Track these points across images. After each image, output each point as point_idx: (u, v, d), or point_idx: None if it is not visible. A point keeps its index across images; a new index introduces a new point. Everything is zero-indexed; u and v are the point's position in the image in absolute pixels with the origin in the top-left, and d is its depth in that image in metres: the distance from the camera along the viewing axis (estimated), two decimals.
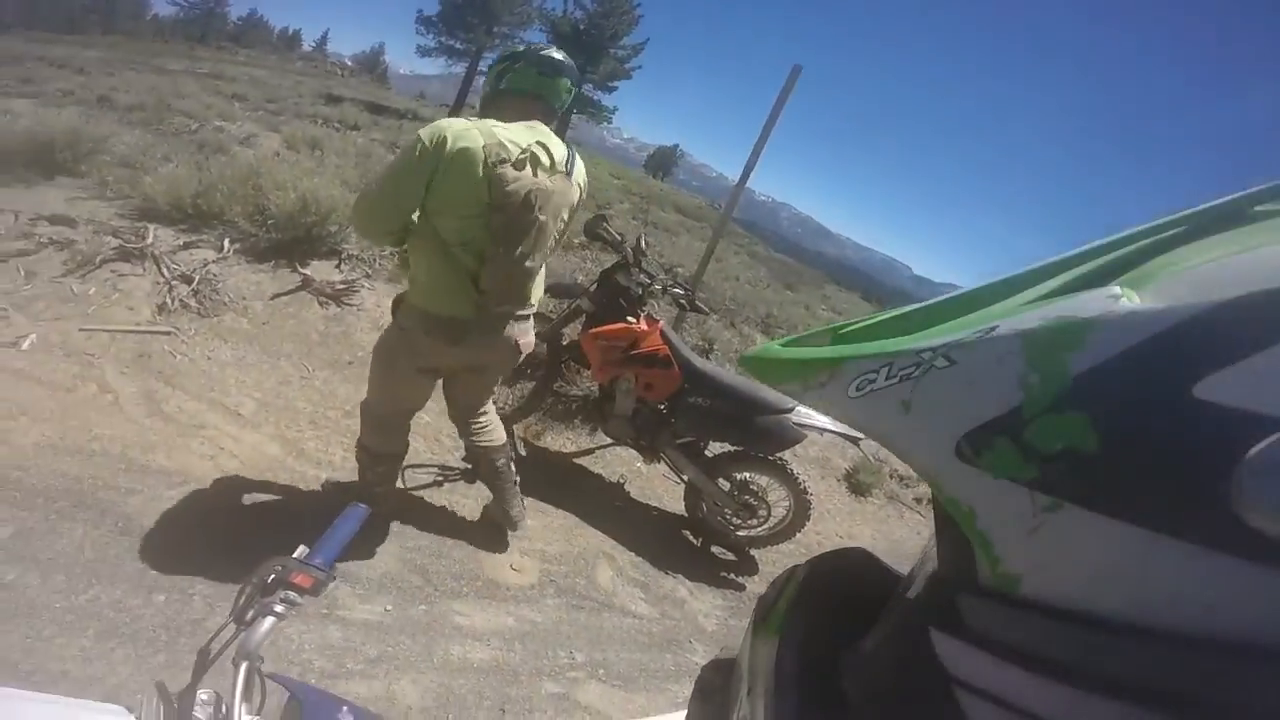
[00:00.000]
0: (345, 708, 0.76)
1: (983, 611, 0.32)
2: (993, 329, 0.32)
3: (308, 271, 3.77)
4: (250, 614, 0.69)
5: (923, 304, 0.40)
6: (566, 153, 1.77)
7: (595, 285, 3.04)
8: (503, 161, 1.61)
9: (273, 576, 0.72)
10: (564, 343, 3.22)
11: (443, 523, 2.54)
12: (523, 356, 2.11)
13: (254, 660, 0.66)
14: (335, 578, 0.77)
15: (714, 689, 0.59)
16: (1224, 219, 0.33)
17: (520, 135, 1.67)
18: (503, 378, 2.30)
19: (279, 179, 4.29)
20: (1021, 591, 0.30)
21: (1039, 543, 0.29)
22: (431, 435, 3.05)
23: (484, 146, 1.60)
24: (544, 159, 1.70)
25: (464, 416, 2.34)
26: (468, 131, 1.60)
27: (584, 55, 22.10)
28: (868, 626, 0.44)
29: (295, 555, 0.75)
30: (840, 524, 3.83)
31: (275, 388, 2.97)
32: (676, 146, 41.09)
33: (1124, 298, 0.29)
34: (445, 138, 1.57)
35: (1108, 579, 0.28)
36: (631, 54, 23.03)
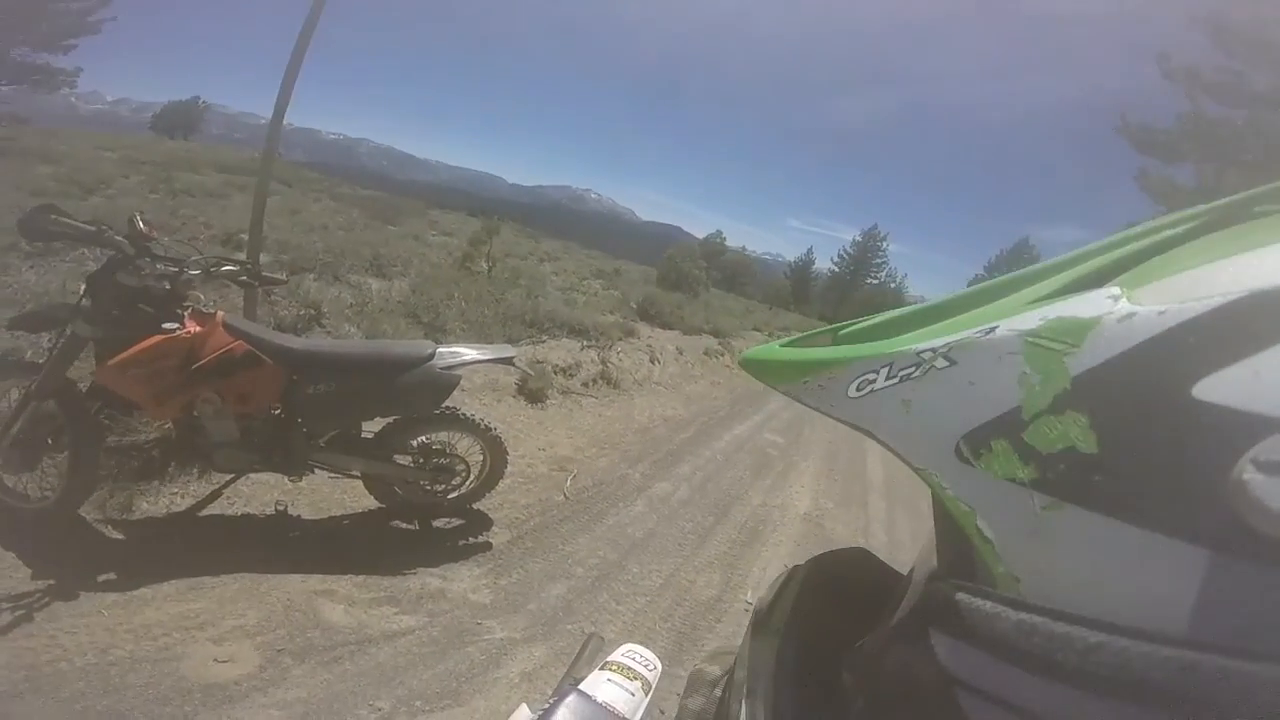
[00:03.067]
0: None
1: (983, 611, 0.31)
2: (993, 329, 0.31)
3: None
4: None
5: (923, 305, 0.40)
6: None
7: (87, 299, 2.13)
8: None
9: None
10: (85, 389, 2.25)
11: (78, 654, 1.82)
12: None
13: None
14: None
15: (708, 686, 0.60)
16: (1224, 219, 0.34)
17: None
18: None
19: None
20: (1021, 591, 0.30)
21: (1039, 543, 0.29)
22: None
23: None
24: None
25: None
26: None
27: (6, 13, 15.61)
28: (868, 626, 0.44)
29: None
30: (536, 437, 3.89)
31: None
32: (197, 98, 32.68)
33: (1124, 298, 0.28)
34: None
35: (1107, 579, 0.28)
36: (97, 4, 17.36)
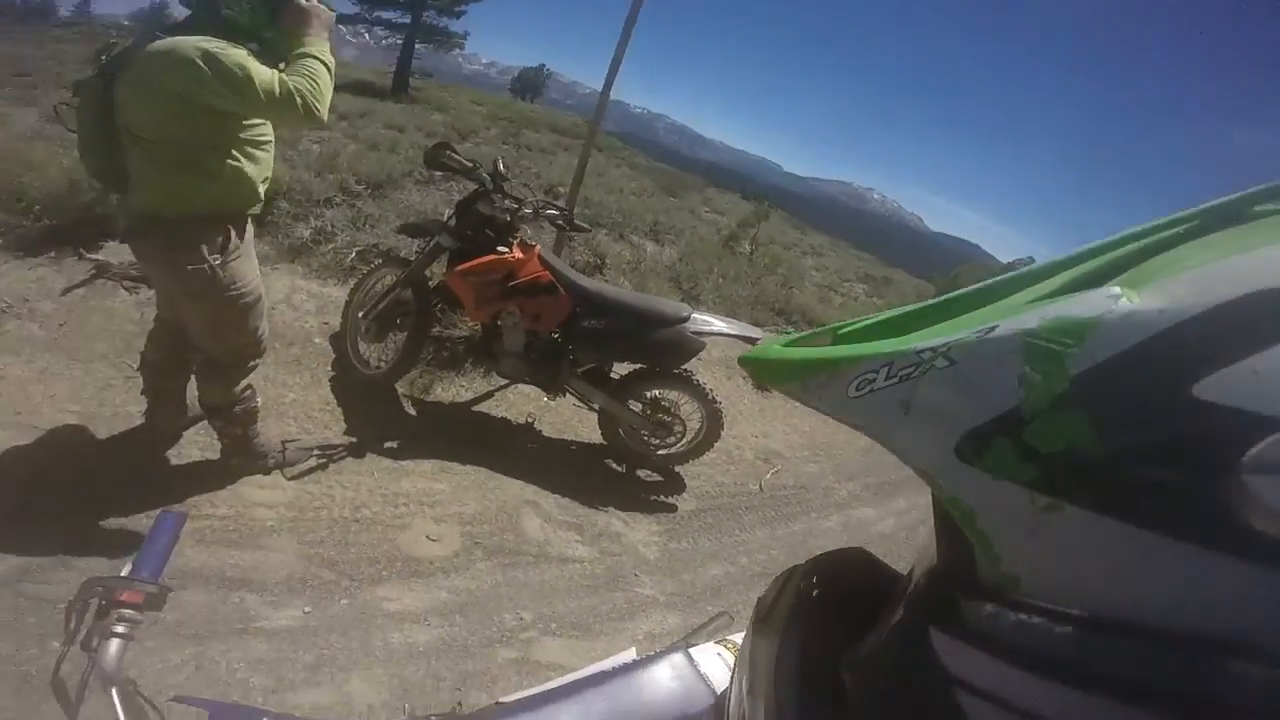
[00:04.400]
0: (265, 718, 0.73)
1: (983, 611, 0.31)
2: (992, 329, 0.31)
3: (99, 256, 3.14)
4: (95, 640, 0.67)
5: (923, 304, 0.40)
6: (136, 44, 1.77)
7: (453, 218, 2.77)
8: None
9: (97, 599, 0.69)
10: (432, 285, 2.94)
11: (338, 507, 2.32)
12: (191, 287, 1.88)
13: (122, 685, 0.64)
14: (170, 588, 0.74)
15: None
16: (1224, 218, 0.33)
17: None
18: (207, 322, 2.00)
19: (33, 159, 3.58)
20: (1021, 591, 0.30)
21: (1039, 543, 0.29)
22: (302, 413, 2.73)
23: None
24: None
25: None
26: None
27: None
28: (868, 626, 0.45)
29: (123, 573, 0.72)
30: (753, 424, 3.92)
31: (96, 394, 2.50)
32: (543, 66, 39.03)
33: (1124, 297, 0.28)
34: None
35: (1107, 579, 0.27)
36: None
